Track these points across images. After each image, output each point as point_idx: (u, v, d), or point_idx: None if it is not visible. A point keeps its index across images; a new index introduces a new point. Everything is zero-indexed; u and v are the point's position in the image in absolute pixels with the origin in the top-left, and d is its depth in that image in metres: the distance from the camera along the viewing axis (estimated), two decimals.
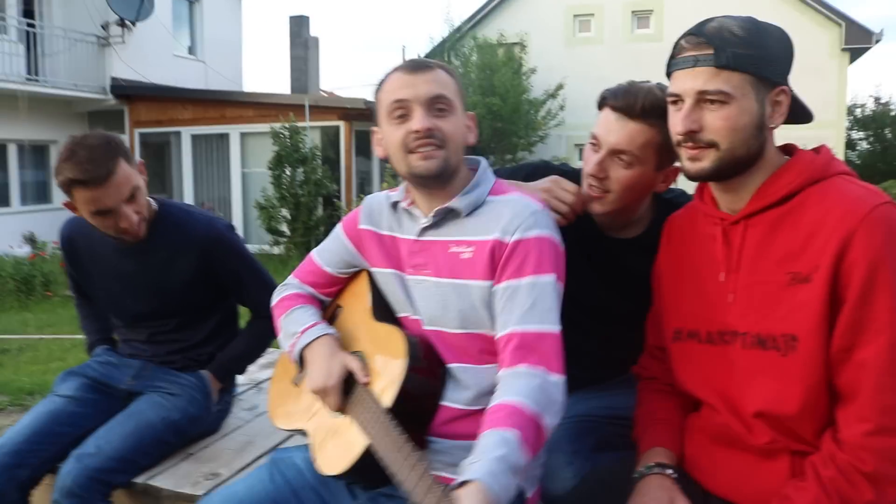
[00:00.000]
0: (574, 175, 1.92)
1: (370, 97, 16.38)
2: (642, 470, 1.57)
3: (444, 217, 1.66)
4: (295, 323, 1.80)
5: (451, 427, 1.61)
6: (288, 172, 12.30)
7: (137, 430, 2.18)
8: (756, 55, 1.42)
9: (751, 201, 1.50)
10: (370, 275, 1.82)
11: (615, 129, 1.75)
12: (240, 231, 13.94)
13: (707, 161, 1.46)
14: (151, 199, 2.36)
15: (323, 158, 13.12)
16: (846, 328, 1.35)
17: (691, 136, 1.46)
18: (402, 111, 1.60)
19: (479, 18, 19.23)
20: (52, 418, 2.23)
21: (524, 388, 1.43)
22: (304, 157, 12.34)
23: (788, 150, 1.55)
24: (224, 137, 14.35)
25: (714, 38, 1.42)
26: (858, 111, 23.53)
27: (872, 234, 1.33)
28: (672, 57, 1.51)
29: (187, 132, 14.59)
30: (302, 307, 1.85)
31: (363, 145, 14.56)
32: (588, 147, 1.83)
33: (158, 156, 15.25)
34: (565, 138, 18.37)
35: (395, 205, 1.76)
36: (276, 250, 12.63)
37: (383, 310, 1.78)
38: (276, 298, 1.93)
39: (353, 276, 1.90)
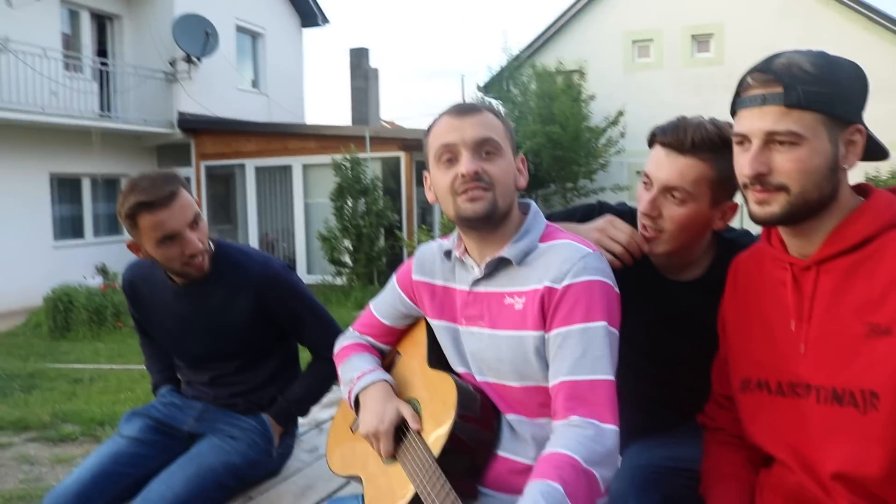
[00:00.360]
0: (632, 215, 1.86)
1: None
2: None
3: (496, 268, 1.63)
4: (352, 369, 1.82)
5: (510, 480, 1.59)
6: (350, 203, 12.45)
7: (198, 475, 2.19)
8: (828, 93, 1.33)
9: (823, 246, 1.40)
10: (428, 323, 1.82)
11: (666, 166, 1.69)
12: (302, 262, 14.27)
13: (776, 205, 1.37)
14: (209, 241, 2.37)
15: (384, 189, 13.24)
16: None
17: (760, 178, 1.36)
18: (449, 155, 1.59)
19: (537, 46, 19.26)
20: (116, 459, 2.26)
21: (574, 439, 1.39)
22: (366, 188, 12.47)
23: (863, 189, 1.46)
24: (287, 169, 14.60)
25: (783, 74, 1.33)
26: None
27: None
28: (737, 94, 1.42)
29: (251, 164, 14.89)
30: (359, 354, 1.88)
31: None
32: (641, 186, 1.78)
33: (224, 187, 15.62)
34: (626, 165, 18.18)
35: (447, 253, 1.74)
36: (339, 281, 12.74)
37: (439, 357, 1.77)
38: (336, 348, 1.96)
39: (414, 323, 1.92)
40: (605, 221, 1.80)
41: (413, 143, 13.54)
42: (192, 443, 2.36)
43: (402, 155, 13.74)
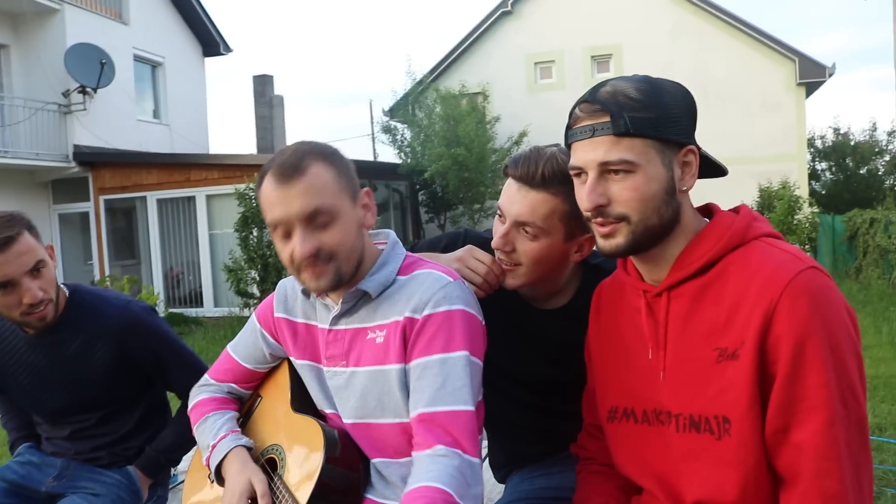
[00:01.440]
0: None
1: (344, 153, 16.42)
2: None
3: (356, 302, 1.58)
4: (207, 434, 1.73)
5: None
6: (255, 233, 12.21)
7: None
8: (655, 118, 1.32)
9: (671, 272, 1.40)
10: (290, 364, 1.76)
11: (517, 200, 1.65)
12: (209, 295, 13.96)
13: (621, 237, 1.37)
14: (64, 286, 2.25)
15: None
16: (778, 408, 1.26)
17: (600, 210, 1.36)
18: (283, 229, 1.49)
19: (441, 69, 19.46)
20: None
21: (443, 471, 1.36)
22: None
23: (708, 210, 1.47)
24: (190, 200, 14.26)
25: (609, 103, 1.32)
26: (819, 142, 23.99)
27: (796, 305, 1.24)
28: (569, 127, 1.41)
29: (153, 196, 14.48)
30: (213, 414, 1.78)
31: None
32: (496, 219, 1.74)
33: (125, 221, 15.14)
34: None
35: (305, 291, 1.67)
36: (247, 312, 12.47)
37: (303, 400, 1.72)
38: (191, 403, 1.86)
39: (276, 365, 1.84)
40: (465, 251, 1.76)
41: None
42: None
43: None
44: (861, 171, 22.95)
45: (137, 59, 16.64)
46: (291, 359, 1.73)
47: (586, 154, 1.36)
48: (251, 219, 12.13)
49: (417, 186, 18.24)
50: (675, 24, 18.04)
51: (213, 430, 1.73)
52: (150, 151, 15.27)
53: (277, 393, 1.80)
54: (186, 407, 2.42)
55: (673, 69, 17.79)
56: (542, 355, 1.85)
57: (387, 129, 17.80)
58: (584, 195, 1.37)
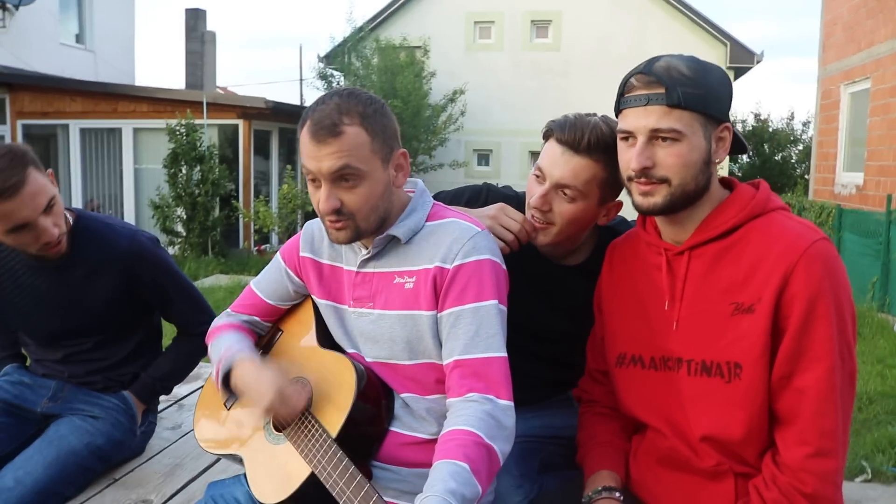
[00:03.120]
0: (519, 200, 1.93)
1: (269, 96, 16.14)
2: (591, 494, 1.62)
3: (385, 247, 1.64)
4: (217, 350, 1.77)
5: (406, 454, 1.63)
6: (184, 171, 11.94)
7: (59, 458, 2.07)
8: (703, 94, 1.48)
9: (695, 233, 1.57)
10: (314, 301, 1.80)
11: (560, 164, 1.75)
12: None
13: (659, 196, 1.52)
14: (67, 212, 2.23)
15: (220, 158, 12.80)
16: (786, 356, 1.43)
17: (645, 172, 1.50)
18: (312, 177, 1.55)
19: (380, 20, 19.19)
20: None
21: (474, 415, 1.44)
22: (202, 156, 12.00)
23: (728, 183, 1.63)
24: (116, 132, 13.79)
25: (664, 77, 1.47)
26: (740, 126, 24.82)
27: (811, 269, 1.42)
28: (621, 94, 1.55)
29: (76, 125, 13.92)
30: (225, 334, 1.81)
31: (262, 145, 14.29)
32: (532, 178, 1.84)
33: (44, 149, 14.50)
34: (464, 143, 18.59)
35: None
36: (172, 251, 12.23)
37: (328, 337, 1.77)
38: (210, 329, 1.89)
39: (300, 303, 1.88)
40: (498, 209, 1.84)
41: (252, 112, 13.17)
42: (46, 424, 2.23)
43: (240, 123, 13.34)
44: (776, 158, 23.88)
45: None
46: (314, 298, 1.78)
47: (638, 120, 1.50)
48: (181, 156, 11.85)
49: None
50: None
51: (224, 346, 1.75)
52: (73, 78, 14.59)
53: (300, 328, 1.84)
54: (183, 337, 2.46)
55: (611, 42, 18.05)
56: (554, 306, 1.97)
57: (322, 76, 17.50)
58: (634, 156, 1.51)
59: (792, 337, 1.43)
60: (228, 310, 1.92)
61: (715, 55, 17.88)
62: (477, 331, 1.53)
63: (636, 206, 1.58)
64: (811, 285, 1.42)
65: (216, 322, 1.90)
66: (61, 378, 2.34)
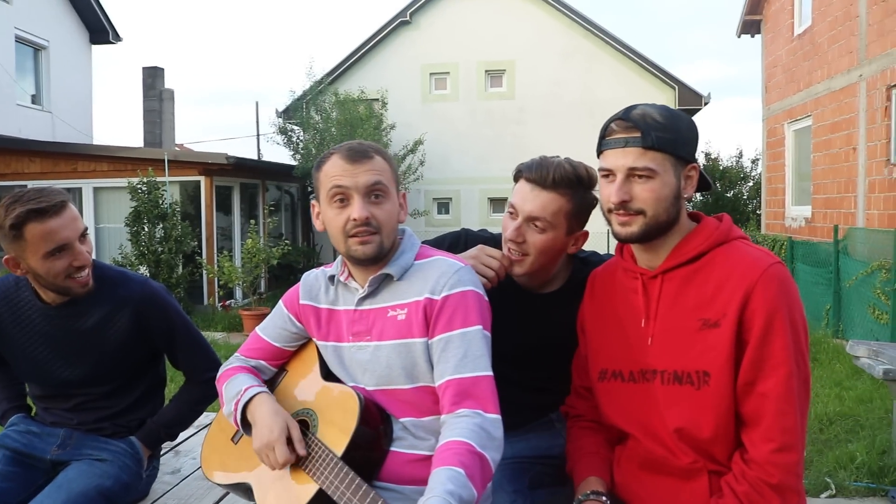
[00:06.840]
0: (496, 241, 2.15)
1: (227, 151, 16.17)
2: (580, 498, 1.80)
3: (379, 285, 1.83)
4: (234, 386, 1.91)
5: (409, 471, 1.77)
6: (147, 229, 11.94)
7: (70, 501, 2.11)
8: (674, 138, 1.71)
9: (667, 259, 1.79)
10: (316, 344, 1.97)
11: (530, 199, 1.99)
12: None
13: (636, 226, 1.74)
14: None
15: (183, 214, 12.83)
16: (749, 365, 1.64)
17: (623, 205, 1.73)
18: (341, 196, 1.76)
19: (338, 73, 19.46)
20: None
21: (466, 428, 1.61)
22: (164, 214, 12.02)
23: (695, 216, 1.85)
24: (75, 192, 13.70)
25: (640, 123, 1.71)
26: None
27: (768, 288, 1.63)
28: (602, 137, 1.78)
29: (34, 186, 13.77)
30: (241, 374, 1.96)
31: (224, 201, 14.35)
32: (506, 216, 2.06)
33: None
34: (423, 192, 18.81)
35: (331, 278, 1.91)
36: None
37: (329, 372, 1.93)
38: (220, 373, 2.02)
39: (301, 346, 2.04)
40: (478, 250, 2.06)
41: (214, 168, 13.23)
42: (55, 472, 2.28)
43: (202, 179, 13.38)
44: (728, 195, 24.52)
45: (19, 40, 15.88)
46: (315, 340, 1.96)
47: (617, 160, 1.74)
48: (144, 213, 11.85)
49: (310, 189, 18.18)
50: (566, 46, 18.75)
51: (242, 384, 1.90)
52: (30, 139, 14.54)
53: (303, 367, 1.99)
54: (189, 385, 2.55)
55: (562, 88, 18.53)
56: (534, 333, 2.14)
57: (282, 131, 17.64)
58: (613, 191, 1.74)
59: (754, 347, 1.64)
60: (237, 353, 2.05)
61: (664, 98, 18.43)
62: (465, 353, 1.71)
63: (615, 235, 1.79)
64: (769, 302, 1.63)
65: (229, 363, 2.04)
66: (70, 425, 2.39)
